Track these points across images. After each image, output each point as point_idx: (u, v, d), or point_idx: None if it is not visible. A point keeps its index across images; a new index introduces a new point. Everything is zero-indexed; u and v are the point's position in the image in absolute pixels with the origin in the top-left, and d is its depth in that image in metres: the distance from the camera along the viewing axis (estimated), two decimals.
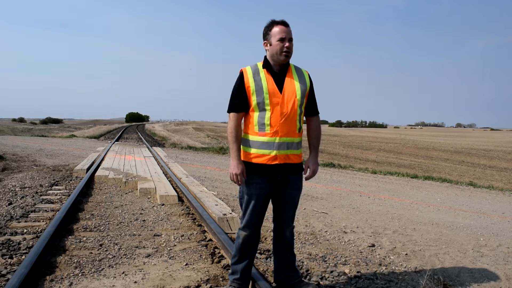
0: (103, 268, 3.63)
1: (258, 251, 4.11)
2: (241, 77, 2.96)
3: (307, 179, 3.18)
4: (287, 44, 2.91)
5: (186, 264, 3.79)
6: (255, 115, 2.94)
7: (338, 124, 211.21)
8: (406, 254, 4.42)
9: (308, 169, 3.16)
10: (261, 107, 2.91)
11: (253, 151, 2.95)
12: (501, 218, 6.98)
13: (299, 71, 3.08)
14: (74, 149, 16.48)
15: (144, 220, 5.31)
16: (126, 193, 7.14)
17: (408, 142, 49.59)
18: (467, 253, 4.62)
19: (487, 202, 8.84)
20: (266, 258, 3.99)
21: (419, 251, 4.53)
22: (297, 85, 2.98)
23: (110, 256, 3.92)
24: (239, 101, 2.95)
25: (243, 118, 3.05)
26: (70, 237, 4.49)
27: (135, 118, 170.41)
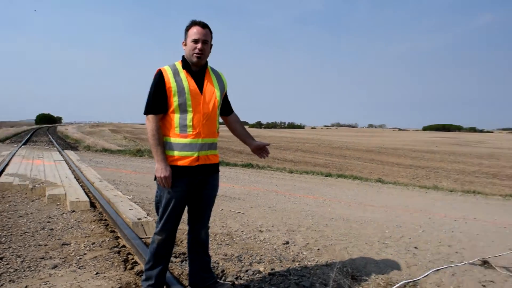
0: (3, 284, 3.37)
1: (174, 255, 4.06)
2: (160, 77, 2.88)
3: (265, 156, 3.27)
4: (199, 46, 2.90)
5: (97, 273, 3.64)
6: (176, 117, 2.88)
7: (258, 125, 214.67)
8: (318, 249, 4.61)
9: (263, 149, 3.26)
10: (182, 109, 2.87)
11: (175, 153, 2.89)
12: (404, 211, 7.52)
13: (215, 72, 3.13)
14: None
15: (51, 229, 5.01)
16: (32, 201, 6.69)
17: (323, 142, 51.62)
18: (373, 245, 4.91)
19: (393, 197, 9.47)
20: (182, 262, 3.94)
21: (330, 246, 4.74)
22: (216, 86, 3.02)
23: (12, 270, 3.64)
24: (159, 102, 2.87)
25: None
26: None
27: (46, 120, 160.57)
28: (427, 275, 3.99)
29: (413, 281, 3.84)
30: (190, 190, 2.99)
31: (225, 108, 3.26)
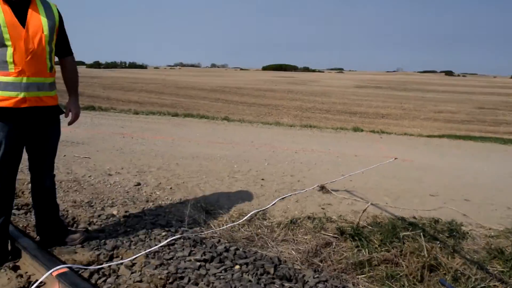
0: None
1: (16, 207, 3.69)
2: None
3: (70, 123, 3.01)
4: None
5: None
6: None
7: (97, 65, 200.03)
8: (171, 188, 4.66)
9: (70, 113, 2.99)
10: (0, 43, 2.50)
11: None
12: (251, 147, 7.98)
13: (45, 3, 2.74)
14: None
15: None
16: None
17: (168, 82, 50.85)
18: (224, 180, 5.16)
19: (239, 134, 9.94)
20: (26, 213, 3.62)
21: (183, 184, 4.83)
22: (43, 19, 2.65)
23: None
24: None
25: None
26: None
27: None
28: (275, 203, 4.38)
29: (263, 209, 4.19)
30: (23, 134, 2.70)
31: (61, 46, 2.90)
